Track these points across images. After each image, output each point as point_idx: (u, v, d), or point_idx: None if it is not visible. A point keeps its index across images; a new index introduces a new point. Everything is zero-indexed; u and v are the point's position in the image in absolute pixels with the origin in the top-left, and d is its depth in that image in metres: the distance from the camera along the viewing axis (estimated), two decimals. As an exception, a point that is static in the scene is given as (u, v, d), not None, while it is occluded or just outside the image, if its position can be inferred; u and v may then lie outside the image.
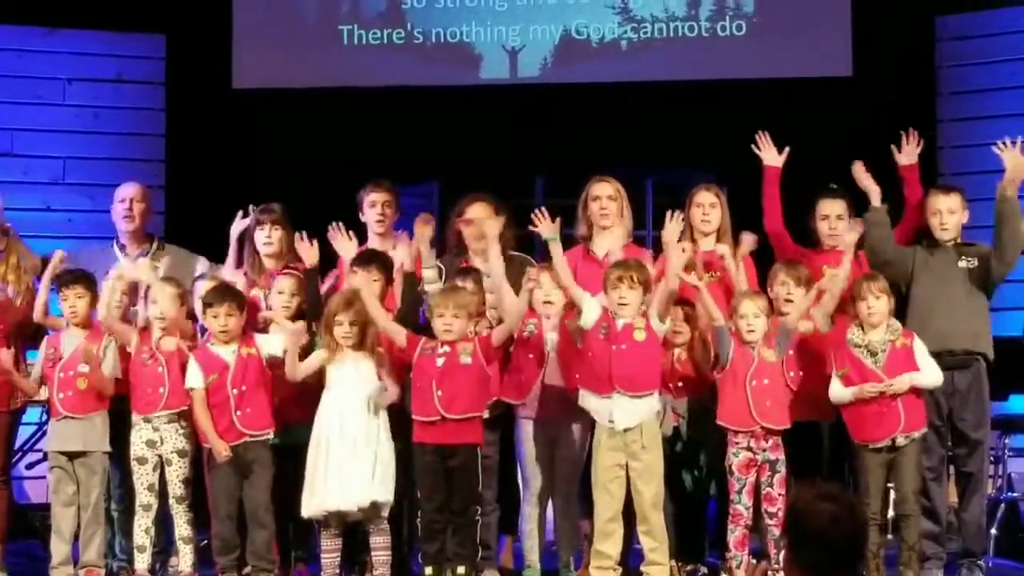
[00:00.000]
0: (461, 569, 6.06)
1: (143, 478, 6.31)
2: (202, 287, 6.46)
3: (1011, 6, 8.87)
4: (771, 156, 6.73)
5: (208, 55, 9.11)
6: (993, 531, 7.00)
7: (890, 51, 8.97)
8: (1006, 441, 7.60)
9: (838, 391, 6.11)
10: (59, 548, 6.37)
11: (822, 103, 9.00)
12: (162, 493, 6.33)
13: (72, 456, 6.37)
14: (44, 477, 6.94)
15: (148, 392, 6.29)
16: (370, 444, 6.05)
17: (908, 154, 6.72)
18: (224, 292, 6.29)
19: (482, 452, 6.17)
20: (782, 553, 5.86)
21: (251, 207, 6.74)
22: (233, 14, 9.22)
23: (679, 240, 6.25)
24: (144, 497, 6.31)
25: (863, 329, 6.13)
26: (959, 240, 6.48)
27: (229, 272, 6.66)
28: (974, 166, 8.28)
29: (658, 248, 6.47)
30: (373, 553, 6.14)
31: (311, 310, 6.36)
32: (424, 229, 6.51)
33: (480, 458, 6.14)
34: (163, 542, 6.46)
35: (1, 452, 6.71)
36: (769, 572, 6.20)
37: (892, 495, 6.52)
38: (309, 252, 6.44)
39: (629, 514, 6.13)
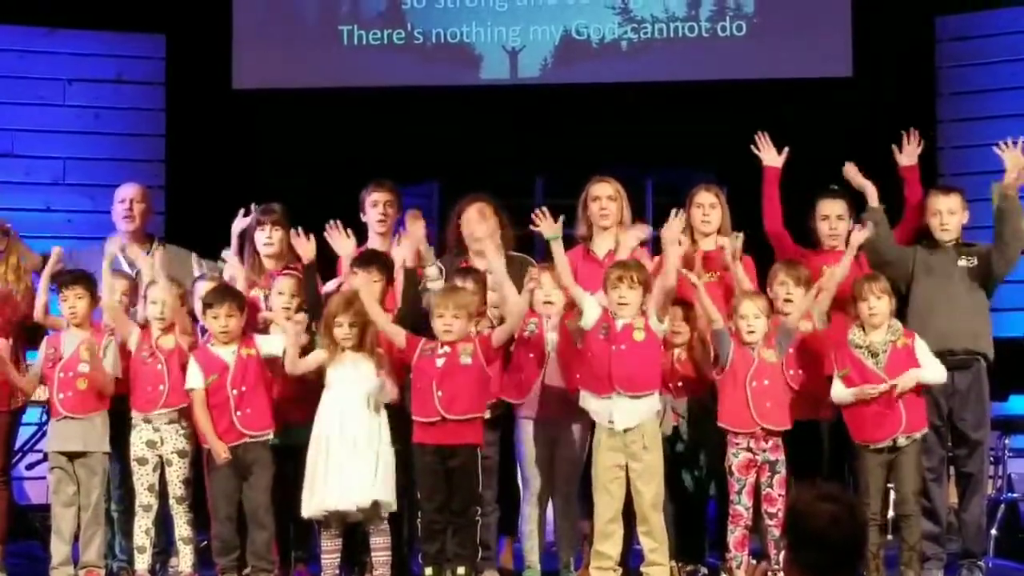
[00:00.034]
0: (461, 570, 6.06)
1: (143, 478, 6.31)
2: (202, 287, 6.46)
3: (1011, 6, 8.87)
4: (770, 157, 6.73)
5: (208, 55, 9.11)
6: (993, 532, 7.00)
7: (890, 51, 8.97)
8: (1006, 441, 7.60)
9: (840, 392, 6.11)
10: (59, 549, 6.37)
11: (822, 103, 9.00)
12: (162, 493, 6.33)
13: (72, 456, 6.37)
14: (44, 477, 6.94)
15: (148, 390, 6.29)
16: (371, 444, 6.06)
17: (908, 155, 6.73)
18: (224, 293, 6.30)
19: (482, 452, 6.17)
20: (782, 554, 5.86)
21: (252, 205, 6.74)
22: (233, 14, 9.23)
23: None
24: (144, 497, 6.32)
25: (864, 330, 6.13)
26: (959, 240, 6.48)
27: (233, 262, 6.64)
28: (974, 167, 8.28)
29: (658, 249, 6.46)
30: (373, 553, 6.14)
31: (311, 307, 6.35)
32: (416, 225, 6.48)
33: (480, 458, 6.14)
34: (163, 543, 6.46)
35: (1, 452, 6.72)
36: (769, 573, 6.20)
37: (892, 495, 6.52)
38: (306, 247, 6.43)
39: (629, 514, 6.13)
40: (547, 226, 6.24)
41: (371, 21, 9.33)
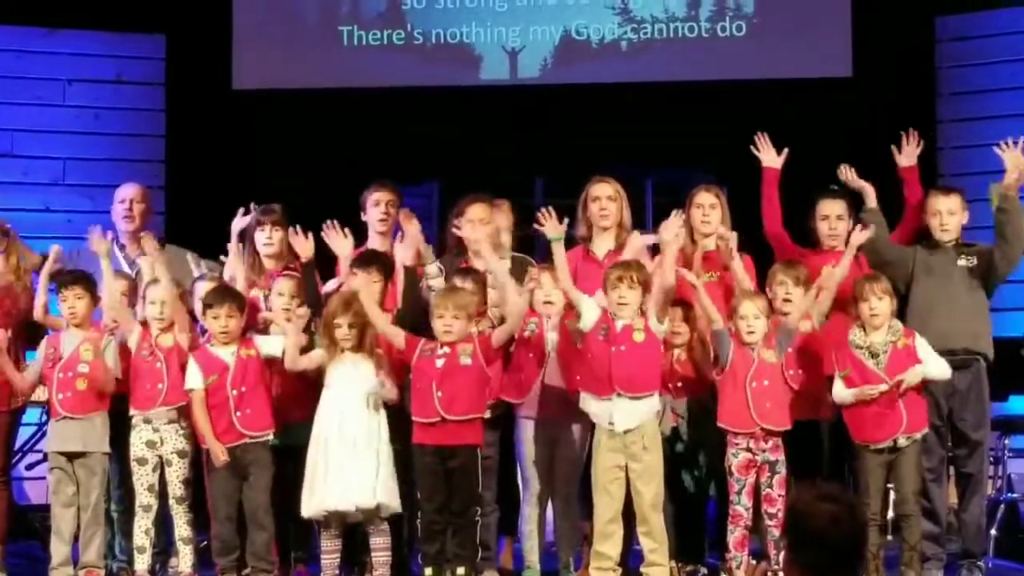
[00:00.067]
0: (461, 570, 6.06)
1: (143, 479, 6.31)
2: (202, 288, 6.46)
3: (1011, 6, 8.87)
4: (770, 157, 6.73)
5: (208, 56, 9.11)
6: (993, 532, 7.00)
7: (890, 52, 8.98)
8: (1006, 442, 7.60)
9: (840, 392, 6.11)
10: (59, 549, 6.36)
11: (822, 103, 9.00)
12: (162, 494, 6.33)
13: (72, 457, 6.37)
14: (44, 478, 6.94)
15: (147, 388, 6.29)
16: (371, 444, 6.05)
17: (908, 155, 6.73)
18: (224, 293, 6.29)
19: (482, 453, 6.17)
20: (782, 554, 5.86)
21: (252, 205, 6.74)
22: (233, 14, 9.23)
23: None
24: (144, 498, 6.31)
25: (865, 330, 6.13)
26: (959, 241, 6.48)
27: (233, 260, 6.63)
28: (974, 167, 8.28)
29: (657, 249, 6.46)
30: (373, 554, 6.13)
31: (310, 306, 6.34)
32: (411, 225, 6.48)
33: (480, 459, 6.14)
34: (163, 543, 6.45)
35: (1, 452, 6.72)
36: (769, 573, 6.20)
37: (892, 496, 6.52)
38: (304, 245, 6.43)
39: (629, 515, 6.13)
40: (551, 226, 6.22)
41: (371, 21, 9.33)
